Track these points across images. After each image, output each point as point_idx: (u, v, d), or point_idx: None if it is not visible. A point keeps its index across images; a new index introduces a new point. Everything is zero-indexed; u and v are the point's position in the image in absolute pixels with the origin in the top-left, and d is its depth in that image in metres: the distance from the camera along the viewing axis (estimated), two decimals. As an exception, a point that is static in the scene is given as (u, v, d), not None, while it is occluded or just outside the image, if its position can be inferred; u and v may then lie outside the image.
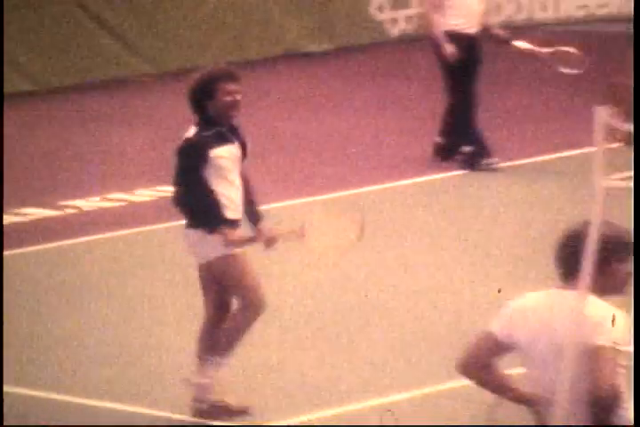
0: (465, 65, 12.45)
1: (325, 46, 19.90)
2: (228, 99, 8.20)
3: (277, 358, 10.08)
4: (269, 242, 8.52)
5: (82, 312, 10.64)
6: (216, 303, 8.38)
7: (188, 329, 9.64)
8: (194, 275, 8.84)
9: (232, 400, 8.55)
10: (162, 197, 12.79)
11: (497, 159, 13.14)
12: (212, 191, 7.98)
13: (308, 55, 19.78)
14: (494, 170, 13.07)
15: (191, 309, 9.92)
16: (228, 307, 8.33)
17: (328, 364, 10.10)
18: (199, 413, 8.61)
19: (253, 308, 8.21)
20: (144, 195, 13.14)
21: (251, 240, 8.56)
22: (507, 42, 12.82)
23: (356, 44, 20.50)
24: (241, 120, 8.66)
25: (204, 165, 7.96)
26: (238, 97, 8.32)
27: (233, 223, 8.06)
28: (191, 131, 8.09)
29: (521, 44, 12.72)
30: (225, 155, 8.17)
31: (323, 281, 11.20)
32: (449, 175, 13.88)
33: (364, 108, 17.27)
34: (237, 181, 8.13)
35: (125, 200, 12.97)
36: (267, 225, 8.51)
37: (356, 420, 9.06)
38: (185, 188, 8.21)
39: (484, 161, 13.13)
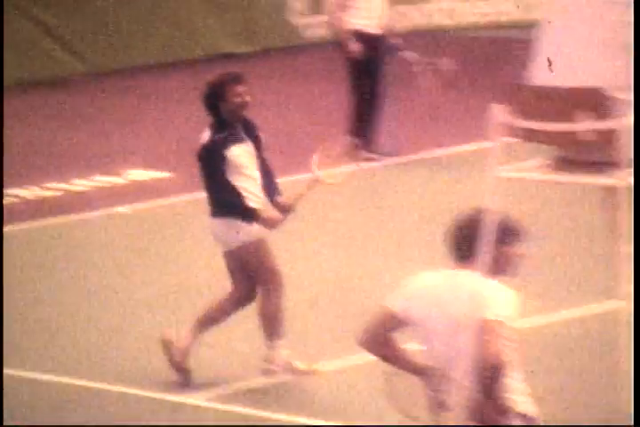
0: (368, 64, 12.38)
1: (247, 48, 19.72)
2: (238, 100, 8.28)
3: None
4: (291, 208, 8.63)
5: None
6: (243, 287, 8.49)
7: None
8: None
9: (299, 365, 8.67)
10: (96, 187, 12.96)
11: (377, 155, 13.36)
12: (233, 187, 8.09)
13: (230, 56, 19.60)
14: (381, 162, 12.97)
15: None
16: (254, 290, 8.45)
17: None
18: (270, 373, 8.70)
19: (280, 288, 8.31)
20: (80, 184, 13.00)
21: (283, 215, 8.67)
22: (397, 50, 12.88)
23: (275, 46, 20.36)
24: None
25: (223, 165, 8.06)
26: (247, 98, 8.39)
27: (254, 212, 8.14)
28: (205, 135, 8.17)
29: (407, 53, 12.87)
30: (239, 153, 8.26)
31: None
32: (361, 167, 13.85)
33: (283, 104, 17.15)
34: (255, 174, 8.22)
35: (63, 189, 12.84)
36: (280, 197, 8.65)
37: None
38: (211, 186, 8.35)
39: (367, 154, 13.04)
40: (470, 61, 13.35)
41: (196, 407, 8.67)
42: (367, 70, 12.37)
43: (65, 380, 8.79)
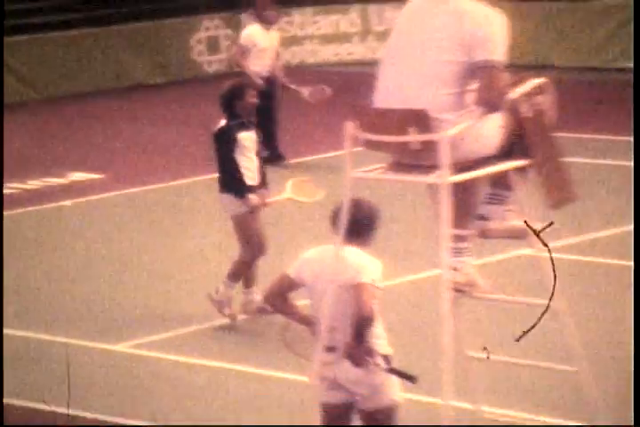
0: (266, 97, 12.18)
1: (161, 80, 19.31)
2: (253, 100, 8.41)
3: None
4: (264, 204, 8.46)
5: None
6: (241, 245, 8.43)
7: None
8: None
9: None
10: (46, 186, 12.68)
11: None
12: (237, 164, 7.98)
13: (147, 86, 19.27)
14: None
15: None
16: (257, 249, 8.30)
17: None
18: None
19: (250, 252, 8.13)
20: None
21: (261, 204, 8.55)
22: (284, 84, 12.85)
23: (182, 78, 19.96)
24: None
25: (233, 145, 7.98)
26: (257, 100, 8.66)
27: (252, 188, 8.04)
28: (221, 122, 8.13)
29: (292, 85, 12.79)
30: (247, 137, 8.20)
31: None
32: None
33: (185, 122, 16.53)
34: (254, 158, 8.13)
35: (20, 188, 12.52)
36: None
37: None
38: (220, 163, 8.25)
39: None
40: (332, 89, 13.26)
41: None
42: (266, 101, 12.21)
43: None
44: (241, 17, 19.28)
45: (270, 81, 12.85)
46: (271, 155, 12.32)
